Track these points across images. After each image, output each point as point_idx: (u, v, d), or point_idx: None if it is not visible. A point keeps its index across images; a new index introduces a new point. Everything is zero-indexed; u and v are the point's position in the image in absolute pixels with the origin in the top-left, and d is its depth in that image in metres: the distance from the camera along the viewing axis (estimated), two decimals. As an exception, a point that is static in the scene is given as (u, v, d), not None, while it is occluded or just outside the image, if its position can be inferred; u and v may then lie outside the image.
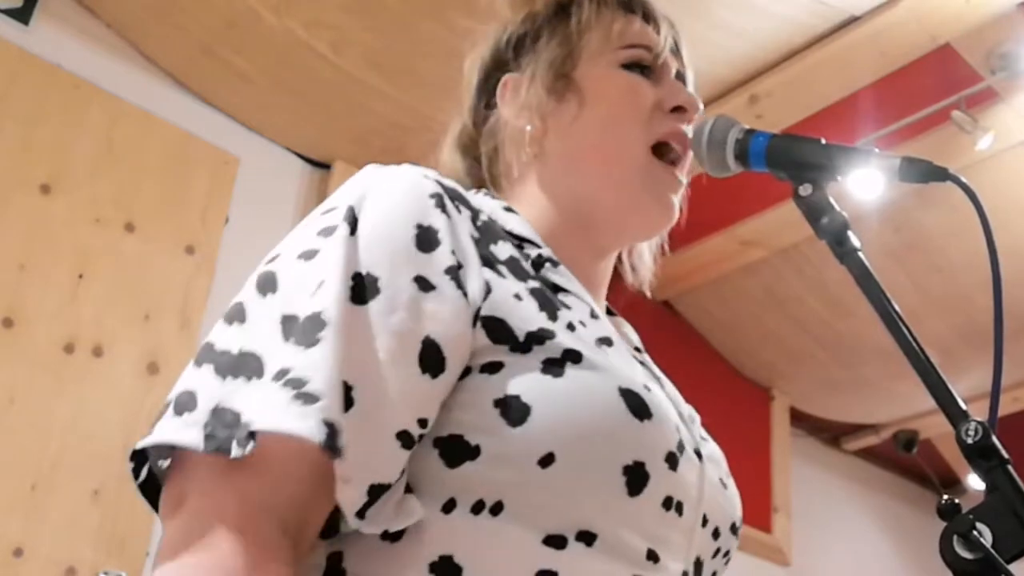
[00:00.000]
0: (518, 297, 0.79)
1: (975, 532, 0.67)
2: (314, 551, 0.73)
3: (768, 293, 3.70)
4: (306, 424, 0.66)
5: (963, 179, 0.80)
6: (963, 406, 0.73)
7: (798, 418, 4.26)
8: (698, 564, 0.83)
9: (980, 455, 0.70)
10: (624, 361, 0.82)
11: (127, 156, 2.67)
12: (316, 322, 0.71)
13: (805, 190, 0.86)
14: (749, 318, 3.84)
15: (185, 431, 0.68)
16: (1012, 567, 0.67)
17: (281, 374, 0.69)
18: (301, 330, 0.71)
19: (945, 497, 0.70)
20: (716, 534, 0.85)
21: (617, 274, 1.05)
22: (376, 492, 0.70)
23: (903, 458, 4.46)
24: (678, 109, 0.97)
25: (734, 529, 0.89)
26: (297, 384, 0.68)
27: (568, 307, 0.83)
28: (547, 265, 0.87)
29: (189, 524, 0.67)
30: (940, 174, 0.81)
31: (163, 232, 2.68)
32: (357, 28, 2.63)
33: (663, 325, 3.79)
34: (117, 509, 2.37)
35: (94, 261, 2.54)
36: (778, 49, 2.74)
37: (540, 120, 0.97)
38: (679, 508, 0.79)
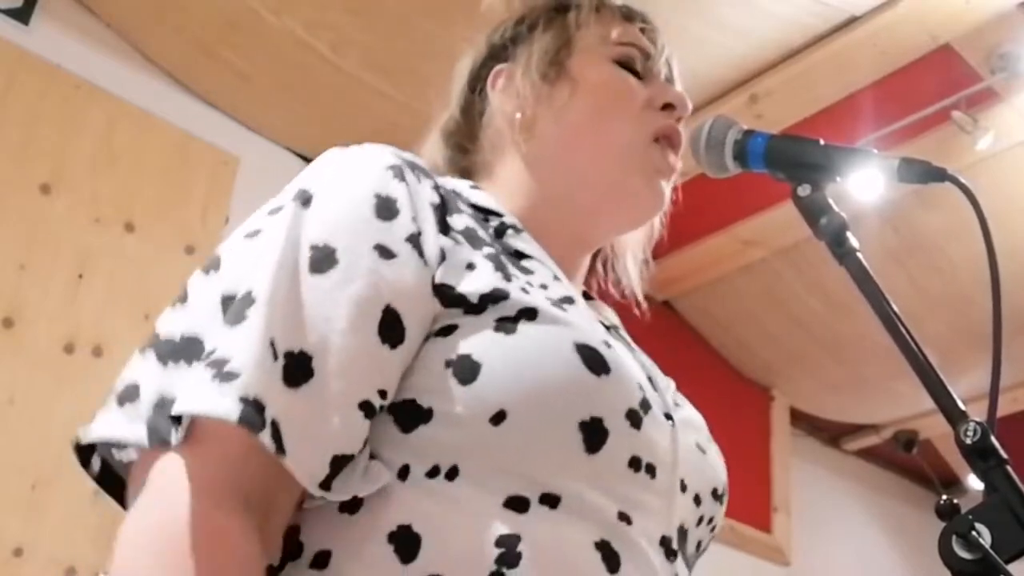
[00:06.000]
0: (471, 266, 0.78)
1: (974, 532, 0.67)
2: None
3: (768, 293, 3.69)
4: (223, 403, 0.66)
5: (961, 179, 0.80)
6: (962, 406, 0.73)
7: (798, 418, 4.26)
8: (682, 532, 0.81)
9: (979, 455, 0.70)
10: (585, 320, 0.80)
11: (127, 156, 2.67)
12: (246, 300, 0.71)
13: (804, 190, 0.86)
14: (749, 318, 3.84)
15: (130, 426, 0.70)
16: (1011, 567, 0.67)
17: (208, 355, 0.69)
18: (234, 309, 0.71)
19: (944, 497, 0.70)
20: (697, 500, 0.83)
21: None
22: (339, 463, 0.69)
23: (903, 458, 4.45)
24: (668, 107, 0.97)
25: (716, 495, 0.86)
26: (218, 364, 0.68)
27: (530, 271, 0.83)
28: (509, 231, 0.87)
29: (150, 498, 0.68)
30: (938, 175, 0.81)
31: (163, 232, 2.67)
32: (357, 28, 2.62)
33: (663, 325, 3.79)
34: (117, 509, 2.34)
35: (94, 261, 2.54)
36: (778, 49, 2.73)
37: (531, 106, 0.97)
38: (650, 470, 0.76)
